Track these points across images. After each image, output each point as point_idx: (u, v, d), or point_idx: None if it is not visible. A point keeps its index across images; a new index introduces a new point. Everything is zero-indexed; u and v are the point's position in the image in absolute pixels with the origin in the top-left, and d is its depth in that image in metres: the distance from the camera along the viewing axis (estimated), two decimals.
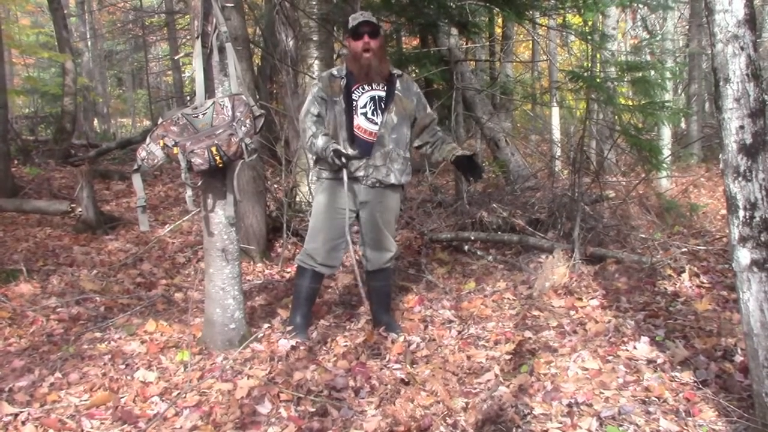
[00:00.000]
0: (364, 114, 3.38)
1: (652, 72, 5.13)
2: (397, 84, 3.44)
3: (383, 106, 3.40)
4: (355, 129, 3.37)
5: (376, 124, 3.38)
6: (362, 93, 3.40)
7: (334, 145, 3.26)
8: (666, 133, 9.38)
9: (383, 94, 3.41)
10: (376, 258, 3.56)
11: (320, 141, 3.32)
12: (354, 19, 3.36)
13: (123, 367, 3.09)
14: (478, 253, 5.25)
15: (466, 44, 9.59)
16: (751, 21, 2.21)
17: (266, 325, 3.60)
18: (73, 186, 7.62)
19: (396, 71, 3.49)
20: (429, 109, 3.59)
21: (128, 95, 23.69)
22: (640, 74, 4.98)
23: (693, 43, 12.54)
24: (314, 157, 3.52)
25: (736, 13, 2.20)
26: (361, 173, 3.38)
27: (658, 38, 10.04)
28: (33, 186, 7.98)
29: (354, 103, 3.38)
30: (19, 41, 14.26)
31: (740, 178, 2.23)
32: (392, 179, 3.43)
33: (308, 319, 3.60)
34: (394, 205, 3.55)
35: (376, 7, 6.28)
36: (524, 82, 11.94)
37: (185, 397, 2.76)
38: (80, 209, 6.06)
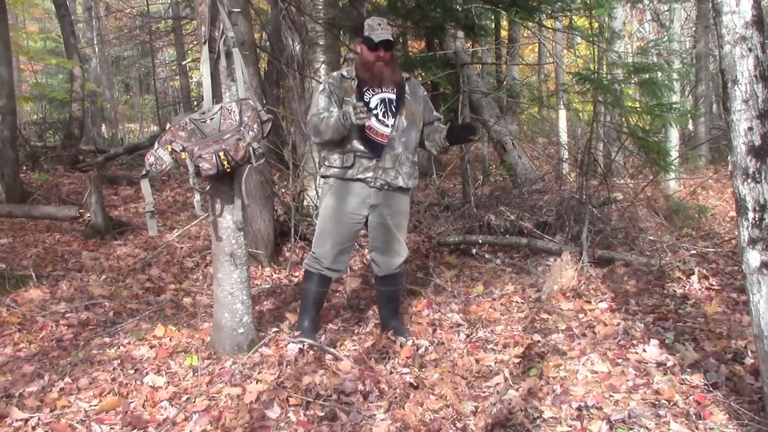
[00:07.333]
0: (376, 116, 3.37)
1: (659, 73, 5.10)
2: (406, 87, 3.47)
3: (394, 109, 3.40)
4: (366, 130, 3.36)
5: (387, 126, 3.38)
6: (373, 95, 3.40)
7: (351, 101, 3.25)
8: (674, 134, 9.35)
9: (393, 96, 3.41)
10: (386, 263, 3.54)
11: (335, 113, 3.26)
12: (371, 29, 3.33)
13: (132, 371, 3.10)
14: (486, 256, 5.25)
15: (473, 47, 9.59)
16: (759, 22, 2.21)
17: (274, 330, 3.61)
18: (81, 191, 7.67)
19: (404, 75, 3.49)
20: (435, 112, 3.62)
21: (135, 100, 23.77)
22: (648, 76, 4.96)
23: (700, 45, 12.51)
24: (322, 156, 3.50)
25: (744, 15, 2.20)
26: (369, 174, 3.37)
27: (664, 39, 10.01)
28: (42, 192, 8.01)
29: (366, 104, 3.38)
30: (27, 47, 14.36)
31: (749, 180, 2.22)
32: (400, 182, 3.42)
33: (316, 323, 3.60)
34: (403, 208, 3.54)
35: (382, 11, 6.28)
36: (531, 84, 11.91)
37: (194, 401, 2.77)
38: (89, 214, 6.09)
